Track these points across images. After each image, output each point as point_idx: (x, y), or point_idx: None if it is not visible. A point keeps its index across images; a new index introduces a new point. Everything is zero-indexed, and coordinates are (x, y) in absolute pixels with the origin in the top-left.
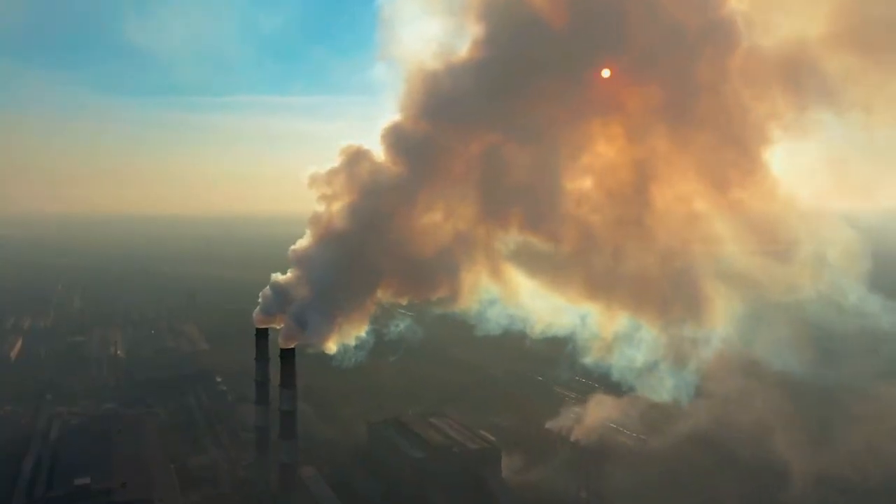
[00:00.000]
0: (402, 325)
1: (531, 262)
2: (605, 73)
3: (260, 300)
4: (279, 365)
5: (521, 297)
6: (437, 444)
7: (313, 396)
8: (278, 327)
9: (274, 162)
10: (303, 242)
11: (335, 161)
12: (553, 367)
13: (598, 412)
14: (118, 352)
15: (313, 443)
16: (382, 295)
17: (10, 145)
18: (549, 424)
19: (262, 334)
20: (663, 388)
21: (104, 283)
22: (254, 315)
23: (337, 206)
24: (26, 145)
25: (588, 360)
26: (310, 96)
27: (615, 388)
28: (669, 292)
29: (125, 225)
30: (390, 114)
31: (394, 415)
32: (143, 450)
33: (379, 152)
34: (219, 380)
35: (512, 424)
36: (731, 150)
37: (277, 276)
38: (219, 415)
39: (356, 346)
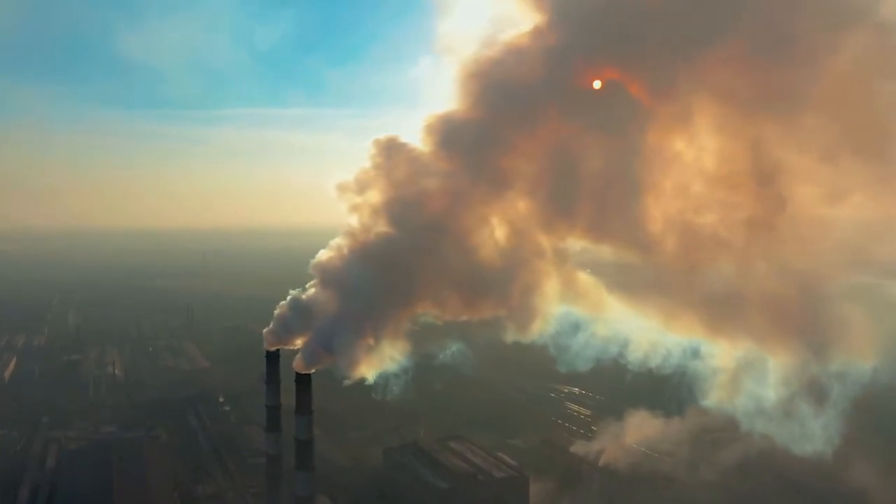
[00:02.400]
0: (454, 348)
1: (614, 277)
2: (597, 83)
3: (275, 320)
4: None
5: (610, 318)
6: (460, 472)
7: (322, 417)
8: (289, 348)
9: (269, 174)
10: (328, 255)
11: (367, 160)
12: (558, 381)
13: (628, 434)
14: (116, 371)
15: (326, 469)
16: (422, 311)
17: (3, 160)
18: (573, 448)
19: (273, 356)
20: (803, 435)
21: (100, 299)
22: (265, 335)
23: (372, 213)
24: (19, 159)
25: (709, 401)
26: (304, 108)
27: (626, 403)
28: (806, 316)
29: (120, 239)
30: (388, 122)
31: (409, 437)
32: (145, 477)
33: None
34: (221, 400)
35: (532, 447)
36: (864, 147)
37: (299, 294)
38: (223, 438)
39: (395, 374)
